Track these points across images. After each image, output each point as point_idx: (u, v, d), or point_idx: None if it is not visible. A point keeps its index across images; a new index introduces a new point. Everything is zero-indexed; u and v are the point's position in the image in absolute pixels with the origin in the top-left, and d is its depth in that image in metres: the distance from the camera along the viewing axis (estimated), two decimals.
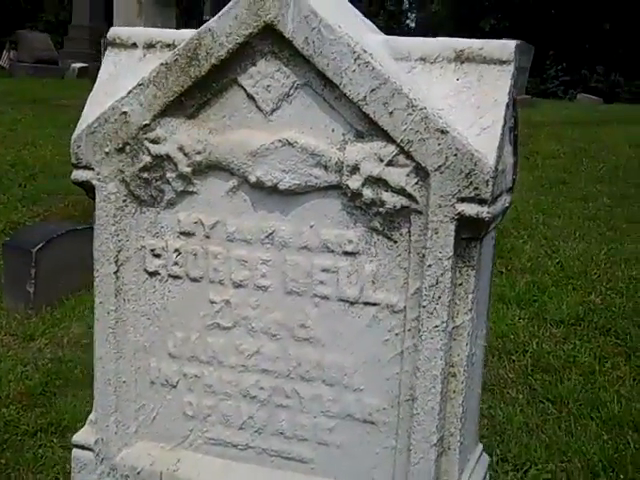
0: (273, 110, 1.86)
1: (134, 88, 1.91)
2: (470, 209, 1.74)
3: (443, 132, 1.72)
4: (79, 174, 2.01)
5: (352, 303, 1.90)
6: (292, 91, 1.84)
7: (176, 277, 2.02)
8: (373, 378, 1.91)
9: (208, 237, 1.97)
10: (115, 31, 2.08)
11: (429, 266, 1.79)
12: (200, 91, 1.89)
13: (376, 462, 1.94)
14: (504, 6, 22.39)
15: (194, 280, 2.01)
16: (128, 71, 2.00)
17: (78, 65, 17.26)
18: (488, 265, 2.02)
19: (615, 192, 7.80)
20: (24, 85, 14.50)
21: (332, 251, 1.89)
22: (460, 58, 1.82)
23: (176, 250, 2.00)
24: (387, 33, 2.02)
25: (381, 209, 1.81)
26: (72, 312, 4.80)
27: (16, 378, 3.96)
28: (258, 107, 1.87)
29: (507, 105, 1.78)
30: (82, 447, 2.14)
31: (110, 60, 2.06)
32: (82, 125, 1.99)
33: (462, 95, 1.80)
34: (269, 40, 1.82)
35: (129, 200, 2.00)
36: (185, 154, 1.92)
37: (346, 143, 1.82)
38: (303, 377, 1.97)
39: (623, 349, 4.37)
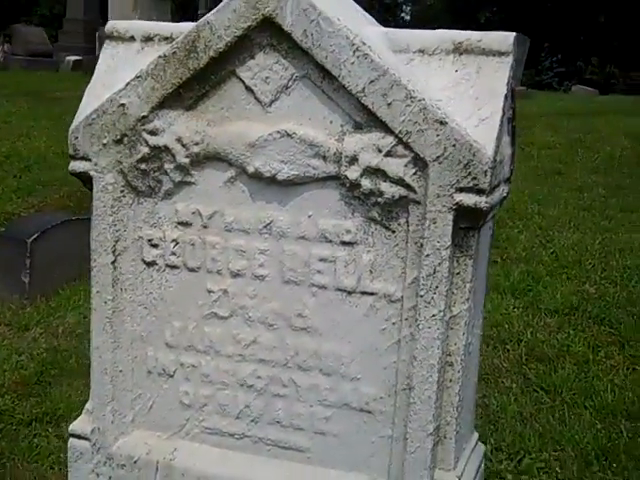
0: (272, 102, 1.87)
1: (132, 80, 1.91)
2: (468, 199, 1.75)
3: (442, 123, 1.73)
4: (77, 165, 2.02)
5: (349, 293, 1.91)
6: (291, 83, 1.85)
7: (174, 267, 2.03)
8: (370, 367, 1.92)
9: (206, 227, 1.98)
10: (113, 24, 2.08)
11: (427, 256, 1.80)
12: (198, 83, 1.89)
13: (373, 451, 1.95)
14: None
15: (192, 270, 2.01)
16: (126, 64, 2.01)
17: (72, 58, 17.21)
18: (485, 255, 2.03)
19: (610, 182, 7.82)
20: (19, 78, 14.47)
21: (330, 241, 1.90)
22: (459, 50, 1.83)
23: (174, 240, 2.01)
24: (382, 26, 2.02)
25: (379, 199, 1.82)
26: (67, 302, 4.81)
27: (11, 368, 3.97)
28: (257, 99, 1.88)
29: (506, 96, 1.79)
30: (78, 436, 2.15)
31: (108, 53, 2.06)
32: (80, 117, 2.00)
33: (461, 86, 1.80)
34: (268, 33, 1.83)
35: (127, 191, 2.00)
36: (183, 145, 1.92)
37: (344, 134, 1.83)
38: (300, 366, 1.98)
39: (617, 338, 4.39)
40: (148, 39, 2.03)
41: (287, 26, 1.79)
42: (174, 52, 1.87)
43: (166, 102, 1.91)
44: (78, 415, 2.19)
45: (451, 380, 1.89)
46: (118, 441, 2.11)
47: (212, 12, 1.84)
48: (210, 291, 2.01)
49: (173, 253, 2.01)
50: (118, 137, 1.96)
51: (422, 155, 1.76)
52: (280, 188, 1.90)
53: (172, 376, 2.08)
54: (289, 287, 1.95)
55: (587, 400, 3.72)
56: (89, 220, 2.05)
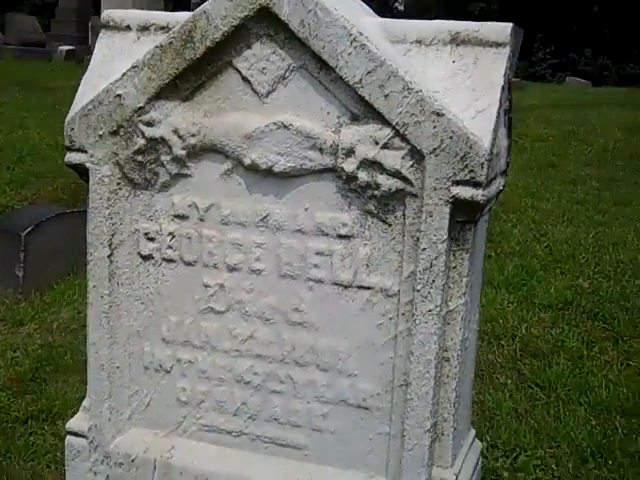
0: (268, 93, 1.85)
1: (128, 70, 1.90)
2: (465, 192, 1.74)
3: (439, 115, 1.72)
4: (73, 157, 2.00)
5: (346, 287, 1.89)
6: (287, 74, 1.83)
7: (170, 261, 2.01)
8: (367, 363, 1.91)
9: (202, 220, 1.96)
10: (109, 13, 2.06)
11: (423, 249, 1.78)
12: (195, 74, 1.88)
13: (370, 448, 1.94)
14: None
15: (188, 264, 2.00)
16: (122, 53, 1.99)
17: (65, 48, 17.17)
18: (481, 248, 2.01)
19: (604, 175, 7.82)
20: (11, 68, 14.40)
21: (326, 234, 1.88)
22: (456, 40, 1.81)
23: (170, 233, 1.99)
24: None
25: (376, 192, 1.80)
26: (61, 297, 4.78)
27: (6, 364, 3.94)
28: (253, 90, 1.86)
29: (502, 88, 1.78)
30: (75, 434, 2.13)
31: (104, 42, 2.04)
32: (76, 107, 1.98)
33: (458, 78, 1.79)
34: (264, 23, 1.81)
35: (123, 183, 1.98)
36: (180, 137, 1.91)
37: (341, 126, 1.81)
38: (297, 362, 1.96)
39: (611, 334, 4.38)
40: (144, 28, 2.01)
41: (284, 16, 1.77)
42: (170, 42, 1.85)
43: (162, 93, 1.90)
44: (74, 412, 2.18)
45: (448, 376, 1.88)
46: (115, 439, 2.09)
47: (209, 1, 1.82)
48: (207, 285, 1.99)
49: (169, 247, 2.00)
50: (114, 128, 1.94)
51: (419, 147, 1.74)
52: (276, 180, 1.88)
53: (169, 372, 2.06)
54: (285, 281, 1.93)
55: (582, 396, 3.70)
56: (83, 213, 2.03)
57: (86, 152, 1.98)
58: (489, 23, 1.82)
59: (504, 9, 21.18)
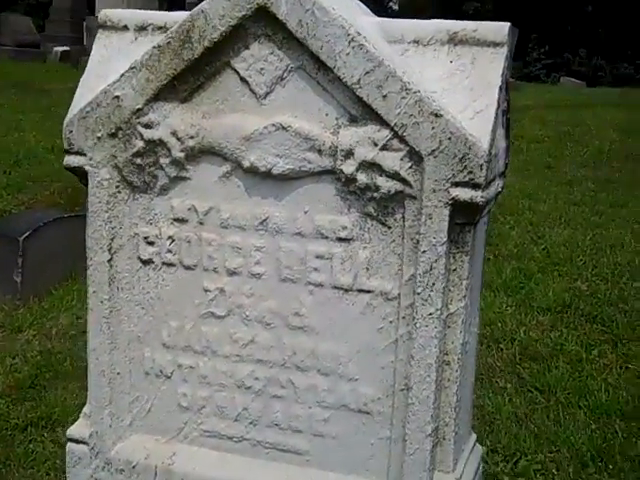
0: (267, 94, 1.84)
1: (126, 72, 1.88)
2: (464, 194, 1.73)
3: (437, 115, 1.71)
4: (71, 160, 1.98)
5: (346, 290, 1.88)
6: (286, 74, 1.82)
7: (170, 265, 2.00)
8: (368, 367, 1.90)
9: (202, 223, 1.95)
10: (106, 13, 2.04)
11: (423, 252, 1.77)
12: (193, 75, 1.86)
13: (371, 453, 1.93)
14: None
15: (188, 268, 1.98)
16: (120, 54, 1.98)
17: (60, 49, 17.13)
18: (481, 251, 2.00)
19: (600, 176, 7.82)
20: (6, 69, 14.34)
21: (326, 237, 1.87)
22: (453, 40, 1.80)
23: (170, 237, 1.98)
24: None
25: (375, 194, 1.79)
26: (60, 302, 4.74)
27: (5, 371, 3.91)
28: (251, 90, 1.85)
29: (500, 88, 1.77)
30: (76, 441, 2.11)
31: (101, 43, 2.03)
32: (74, 110, 1.96)
33: (455, 78, 1.78)
34: (262, 22, 1.80)
35: (122, 186, 1.97)
36: (178, 139, 1.89)
37: (340, 127, 1.80)
38: (298, 366, 1.95)
39: (610, 337, 4.36)
40: (142, 29, 2.00)
41: (282, 15, 1.76)
42: (168, 42, 1.84)
43: (161, 94, 1.88)
44: (74, 419, 2.16)
45: (449, 380, 1.87)
46: (116, 445, 2.08)
47: (206, 1, 1.81)
48: (207, 290, 1.98)
49: (169, 250, 1.98)
50: (113, 130, 1.92)
51: (417, 149, 1.73)
52: (275, 183, 1.87)
53: (170, 377, 2.05)
54: (286, 285, 1.92)
55: (581, 400, 3.69)
56: (81, 217, 2.02)
57: (85, 155, 1.96)
58: (486, 23, 1.81)
59: (498, 9, 21.20)
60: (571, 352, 4.17)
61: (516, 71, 18.70)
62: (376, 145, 1.76)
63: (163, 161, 1.93)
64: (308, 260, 1.89)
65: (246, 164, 1.87)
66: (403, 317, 1.83)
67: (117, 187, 1.97)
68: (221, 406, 2.02)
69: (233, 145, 1.87)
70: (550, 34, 22.03)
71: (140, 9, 2.21)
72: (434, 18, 1.88)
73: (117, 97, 1.90)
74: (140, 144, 1.93)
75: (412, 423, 1.83)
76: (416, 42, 1.82)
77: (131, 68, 1.89)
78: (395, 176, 1.76)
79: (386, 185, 1.78)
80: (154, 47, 1.86)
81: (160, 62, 1.86)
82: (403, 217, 1.80)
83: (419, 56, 1.81)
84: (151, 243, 2.00)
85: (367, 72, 1.72)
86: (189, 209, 1.96)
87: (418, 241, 1.77)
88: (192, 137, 1.89)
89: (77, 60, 14.94)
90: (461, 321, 1.84)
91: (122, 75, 1.89)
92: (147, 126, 1.91)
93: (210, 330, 2.00)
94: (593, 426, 3.46)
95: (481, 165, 1.71)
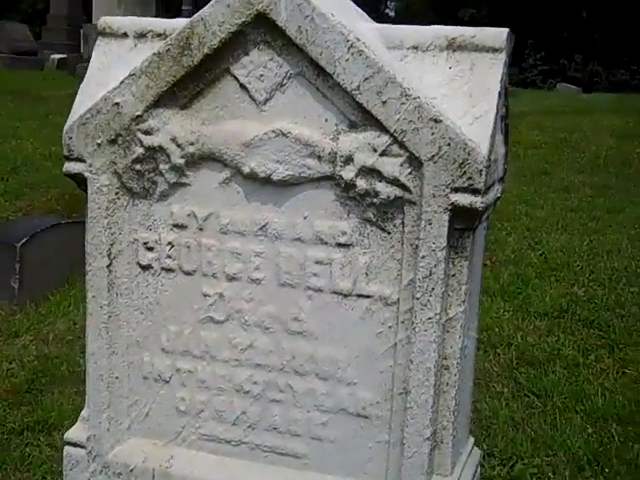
0: (266, 100, 1.85)
1: (126, 78, 1.89)
2: (464, 199, 1.73)
3: (436, 121, 1.72)
4: (71, 166, 1.99)
5: (345, 295, 1.89)
6: (285, 81, 1.83)
7: (169, 270, 2.00)
8: (366, 371, 1.90)
9: (201, 229, 1.95)
10: (105, 21, 2.05)
11: (422, 257, 1.78)
12: (193, 81, 1.87)
13: (370, 456, 1.93)
14: None
15: (187, 273, 1.99)
16: (119, 61, 1.98)
17: (57, 56, 17.15)
18: (480, 256, 2.01)
19: (597, 182, 7.85)
20: (3, 77, 14.36)
21: (325, 243, 1.88)
22: (452, 46, 1.81)
23: (169, 243, 1.98)
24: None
25: (375, 200, 1.80)
26: (57, 308, 4.75)
27: (1, 376, 3.92)
28: (251, 97, 1.86)
29: (499, 93, 1.78)
30: (74, 444, 2.11)
31: (101, 50, 2.04)
32: (74, 116, 1.97)
33: (455, 83, 1.79)
34: (262, 29, 1.80)
35: (122, 192, 1.98)
36: (178, 145, 1.90)
37: (339, 133, 1.81)
38: (296, 371, 1.95)
39: (606, 341, 4.38)
40: (141, 36, 2.01)
41: (281, 22, 1.77)
42: (168, 49, 1.85)
43: (161, 101, 1.89)
44: (70, 423, 2.17)
45: (447, 384, 1.88)
46: (114, 449, 2.08)
47: (206, 7, 1.82)
48: (206, 295, 1.98)
49: (169, 256, 1.99)
50: (112, 137, 1.93)
51: (417, 154, 1.74)
52: (275, 189, 1.88)
53: (168, 382, 2.05)
54: (285, 290, 1.92)
55: (578, 404, 3.70)
56: (79, 224, 2.03)
57: (84, 161, 1.97)
58: (485, 29, 1.81)
59: (494, 15, 21.25)
60: (568, 357, 4.18)
61: (512, 77, 18.71)
62: (376, 151, 1.77)
63: (163, 167, 1.94)
64: (307, 265, 1.90)
65: (246, 170, 1.87)
66: (402, 322, 1.84)
67: (117, 193, 1.98)
68: (219, 410, 2.03)
69: (233, 151, 1.87)
70: (546, 40, 22.08)
71: (135, 15, 2.22)
72: (431, 24, 1.89)
73: (117, 104, 1.91)
74: (140, 150, 1.93)
75: (410, 427, 1.84)
76: (415, 48, 1.83)
77: (131, 75, 1.89)
78: (395, 182, 1.77)
79: (386, 191, 1.78)
80: (154, 54, 1.87)
81: (160, 69, 1.87)
82: (402, 222, 1.81)
83: (418, 62, 1.82)
84: (150, 249, 2.01)
85: (367, 78, 1.73)
86: (189, 215, 1.96)
87: (417, 246, 1.78)
88: (192, 143, 1.90)
89: (74, 67, 14.96)
90: (460, 326, 1.85)
91: (122, 82, 1.90)
92: (147, 133, 1.92)
93: (209, 335, 2.01)
94: (590, 430, 3.47)
95: (480, 171, 1.71)
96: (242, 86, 1.86)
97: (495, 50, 1.80)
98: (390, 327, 1.86)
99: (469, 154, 1.71)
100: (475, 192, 1.73)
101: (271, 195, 1.89)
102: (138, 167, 1.95)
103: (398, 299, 1.84)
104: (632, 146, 9.25)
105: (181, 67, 1.85)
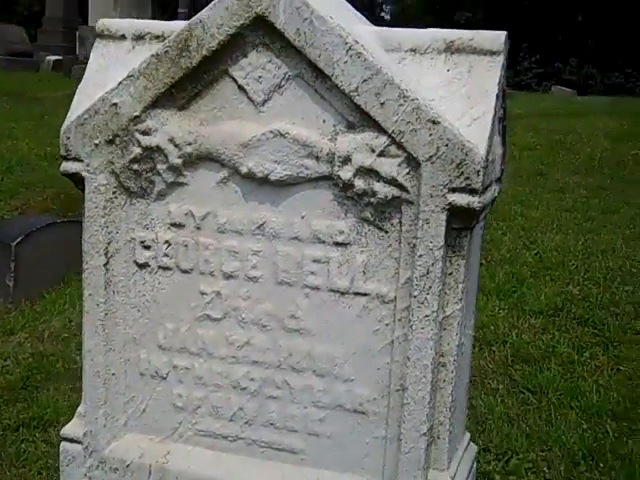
0: (264, 101, 1.86)
1: (124, 79, 1.90)
2: (461, 199, 1.75)
3: (434, 123, 1.73)
4: (68, 166, 2.00)
5: (343, 293, 1.90)
6: (283, 82, 1.84)
7: (166, 268, 2.01)
8: (363, 368, 1.92)
9: (199, 228, 1.97)
10: (104, 23, 2.06)
11: (420, 256, 1.79)
12: (191, 82, 1.89)
13: (366, 452, 1.95)
14: None
15: (184, 272, 2.00)
16: (117, 63, 2.00)
17: (53, 58, 17.17)
18: (477, 255, 2.03)
19: (591, 183, 7.88)
20: None
21: (323, 242, 1.89)
22: (450, 49, 1.83)
23: (166, 242, 2.00)
24: None
25: (372, 199, 1.82)
26: (52, 306, 4.77)
27: None
28: (249, 98, 1.87)
29: (497, 96, 1.80)
30: (71, 440, 2.13)
31: (99, 52, 2.05)
32: (71, 117, 1.98)
33: (453, 86, 1.80)
34: (260, 31, 1.82)
35: (119, 192, 1.99)
36: (176, 145, 1.91)
37: (337, 134, 1.82)
38: (293, 368, 1.97)
39: (601, 339, 4.41)
40: (139, 38, 2.02)
41: (280, 24, 1.78)
42: (166, 51, 1.86)
43: (159, 102, 1.90)
44: (66, 420, 2.18)
45: (444, 381, 1.89)
46: (111, 445, 2.10)
47: (204, 10, 1.83)
48: (203, 293, 2.00)
49: (166, 255, 2.00)
50: (110, 137, 1.94)
51: (415, 155, 1.76)
52: (273, 188, 1.89)
53: (165, 378, 2.07)
54: (282, 288, 1.94)
55: (573, 400, 3.73)
56: (74, 223, 2.05)
57: (82, 161, 1.98)
58: (483, 32, 1.83)
59: (489, 18, 21.28)
60: (563, 354, 4.21)
61: (507, 80, 18.60)
62: (373, 151, 1.79)
63: (160, 167, 1.95)
64: (305, 264, 1.91)
65: (244, 170, 1.89)
66: (399, 319, 1.86)
67: (114, 192, 1.99)
68: (216, 406, 2.04)
69: (231, 151, 1.89)
70: (541, 43, 22.13)
71: (131, 17, 2.23)
72: (427, 28, 1.91)
73: (115, 104, 1.93)
74: (137, 150, 1.95)
75: (407, 423, 1.86)
76: (413, 51, 1.85)
77: (129, 76, 1.90)
78: (392, 182, 1.79)
79: (383, 191, 1.80)
80: (152, 56, 1.88)
81: (158, 70, 1.88)
82: (400, 222, 1.83)
83: (416, 64, 1.84)
84: (147, 247, 2.02)
85: (365, 80, 1.75)
86: (186, 214, 1.98)
87: (415, 245, 1.80)
88: (190, 144, 1.91)
89: (70, 69, 14.97)
90: (457, 323, 1.86)
91: (120, 83, 1.91)
92: (145, 133, 1.93)
93: (206, 332, 2.02)
94: (584, 426, 3.50)
95: (478, 171, 1.73)
96: (240, 87, 1.87)
97: (493, 53, 1.82)
98: (387, 325, 1.88)
99: (467, 155, 1.73)
100: (473, 192, 1.75)
101: (269, 195, 1.90)
102: (136, 167, 1.96)
103: (395, 297, 1.86)
104: (626, 148, 9.28)
105: (179, 69, 1.86)
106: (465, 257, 1.84)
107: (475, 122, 1.76)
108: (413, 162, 1.77)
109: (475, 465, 2.19)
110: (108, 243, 2.01)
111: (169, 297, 2.03)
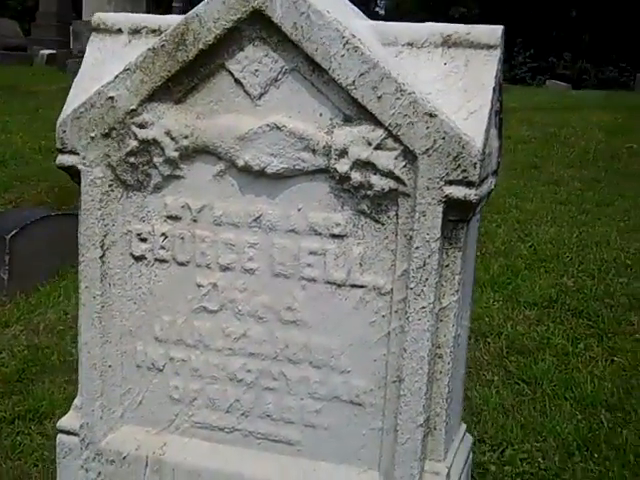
0: (261, 95, 1.87)
1: (121, 73, 1.91)
2: (458, 191, 1.76)
3: (431, 116, 1.74)
4: (64, 159, 2.01)
5: (339, 285, 1.91)
6: (280, 76, 1.84)
7: (163, 261, 2.02)
8: (360, 360, 1.93)
9: (195, 221, 1.98)
10: (100, 16, 2.07)
11: (416, 248, 1.80)
12: (187, 76, 1.89)
13: (363, 443, 1.96)
14: None
15: (181, 264, 2.01)
16: (114, 56, 2.00)
17: (47, 52, 17.14)
18: (473, 247, 2.04)
19: (586, 176, 7.89)
20: None
21: (319, 234, 1.90)
22: (447, 43, 1.83)
23: (163, 234, 2.00)
24: None
25: (369, 192, 1.82)
26: (47, 299, 4.78)
27: None
28: (246, 92, 1.88)
29: (494, 89, 1.80)
30: (67, 432, 2.14)
31: (95, 46, 2.05)
32: (67, 110, 1.98)
33: (449, 79, 1.81)
34: (257, 25, 1.82)
35: (115, 185, 2.00)
36: (172, 138, 1.92)
37: (334, 127, 1.83)
38: (290, 359, 1.98)
39: (595, 330, 4.42)
40: (136, 32, 2.02)
41: (277, 18, 1.79)
42: (163, 45, 1.87)
43: (155, 95, 1.91)
44: (61, 412, 2.18)
45: (441, 372, 1.90)
46: (107, 437, 2.10)
47: (201, 4, 1.84)
48: (199, 285, 2.00)
49: (162, 247, 2.01)
50: (106, 130, 1.95)
51: (412, 148, 1.76)
52: (269, 181, 1.90)
53: (161, 370, 2.07)
54: (279, 280, 1.95)
55: (567, 391, 3.74)
56: (68, 216, 2.05)
57: (78, 154, 1.99)
58: (480, 26, 1.84)
59: (484, 13, 21.28)
60: (557, 346, 4.23)
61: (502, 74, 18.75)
62: (370, 144, 1.79)
63: (157, 160, 1.96)
64: (301, 256, 1.92)
65: (240, 163, 1.89)
66: (396, 311, 1.87)
67: (110, 185, 1.99)
68: (213, 398, 2.05)
69: (227, 145, 1.89)
70: (535, 38, 22.13)
71: (126, 11, 2.23)
72: (421, 22, 1.92)
73: (111, 98, 1.93)
74: (134, 144, 1.95)
75: (404, 414, 1.87)
76: (410, 44, 1.85)
77: (125, 70, 1.91)
78: (389, 174, 1.80)
79: (380, 183, 1.81)
80: (148, 49, 1.88)
81: (154, 64, 1.88)
82: (396, 214, 1.83)
83: (413, 58, 1.84)
84: (144, 240, 2.02)
85: (362, 74, 1.75)
86: (183, 207, 1.98)
87: (411, 237, 1.80)
88: (186, 137, 1.92)
89: (64, 63, 14.94)
90: (453, 315, 1.87)
91: (116, 76, 1.91)
92: (141, 126, 1.94)
93: (202, 324, 2.03)
94: (579, 417, 3.52)
95: (475, 164, 1.74)
96: (237, 81, 1.88)
97: (490, 47, 1.83)
98: (384, 316, 1.89)
99: (464, 148, 1.74)
100: (469, 185, 1.76)
101: (265, 187, 1.91)
102: (132, 160, 1.97)
103: (392, 289, 1.87)
104: (621, 141, 9.29)
105: (176, 62, 1.87)
106: (462, 249, 1.85)
107: (472, 115, 1.77)
108: (410, 155, 1.77)
109: (471, 456, 2.20)
110: (104, 236, 2.01)
111: (165, 289, 2.04)
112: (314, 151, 1.84)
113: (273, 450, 2.03)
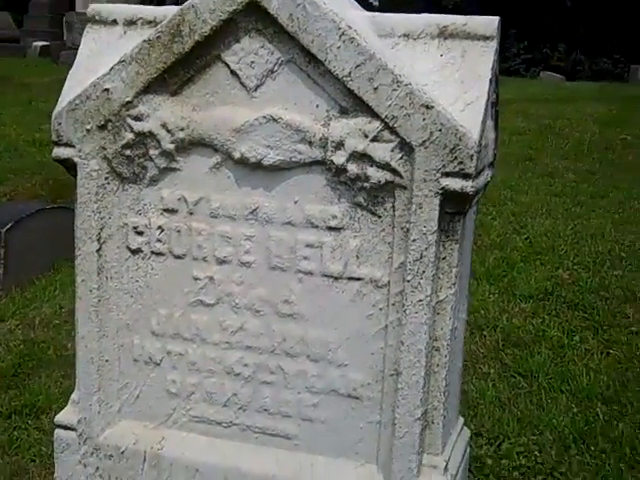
0: (257, 86, 1.86)
1: (116, 65, 1.90)
2: (454, 183, 1.75)
3: (428, 107, 1.73)
4: (60, 151, 2.00)
5: (336, 278, 1.91)
6: (276, 67, 1.84)
7: (159, 254, 2.01)
8: (357, 353, 1.92)
9: (192, 214, 1.97)
10: (95, 8, 2.05)
11: (413, 240, 1.80)
12: (183, 68, 1.88)
13: (361, 437, 1.96)
14: None
15: (177, 257, 2.00)
16: (109, 48, 1.99)
17: (40, 44, 17.12)
18: (470, 239, 2.04)
19: (580, 168, 7.90)
20: None
21: (316, 226, 1.89)
22: (444, 34, 1.83)
23: (159, 227, 1.99)
24: None
25: (365, 184, 1.82)
26: (43, 293, 4.76)
27: None
28: (242, 83, 1.87)
29: (490, 80, 1.80)
30: (64, 427, 2.13)
31: (90, 37, 2.04)
32: (62, 102, 1.97)
33: (446, 71, 1.80)
34: (253, 17, 1.81)
35: (111, 177, 1.99)
36: (168, 131, 1.91)
37: (330, 119, 1.82)
38: (287, 353, 1.97)
39: (591, 323, 4.43)
40: (131, 23, 2.01)
41: (273, 10, 1.78)
42: (158, 36, 1.85)
43: (151, 87, 1.90)
44: (58, 407, 2.18)
45: (438, 365, 1.90)
46: (105, 431, 2.10)
47: None
48: (196, 278, 2.00)
49: (159, 240, 2.00)
50: (102, 123, 1.94)
51: (408, 140, 1.76)
52: (266, 174, 1.89)
53: (159, 364, 2.07)
54: (275, 273, 1.94)
55: (563, 384, 3.75)
56: (63, 209, 2.05)
57: (74, 147, 1.98)
58: (476, 17, 1.83)
59: (478, 4, 21.25)
60: (553, 338, 4.23)
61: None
62: (367, 136, 1.78)
63: (153, 152, 1.95)
64: (298, 249, 1.91)
65: (236, 155, 1.89)
66: (393, 304, 1.86)
67: (106, 178, 1.98)
68: (210, 392, 2.04)
69: (223, 137, 1.89)
70: (529, 29, 22.11)
71: (119, 3, 2.21)
72: (415, 13, 1.91)
73: (107, 90, 1.92)
74: (130, 136, 1.94)
75: (402, 407, 1.86)
76: (406, 36, 1.84)
77: (121, 61, 1.90)
78: (386, 167, 1.79)
79: (376, 175, 1.80)
80: (144, 41, 1.87)
81: (150, 56, 1.87)
82: (393, 206, 1.83)
83: (409, 50, 1.84)
84: (140, 233, 2.02)
85: (358, 65, 1.75)
86: (179, 199, 1.98)
87: (408, 230, 1.80)
88: (182, 129, 1.91)
89: (57, 55, 14.91)
90: (450, 308, 1.87)
91: (112, 68, 1.90)
92: (137, 118, 1.93)
93: (199, 318, 2.02)
94: (575, 409, 3.52)
95: (471, 156, 1.73)
96: (233, 73, 1.87)
97: (486, 38, 1.82)
98: (381, 309, 1.88)
99: (460, 139, 1.73)
100: (466, 177, 1.75)
101: (262, 180, 1.90)
102: (128, 152, 1.96)
103: (389, 282, 1.86)
104: (615, 133, 9.31)
105: (171, 54, 1.86)
106: (458, 241, 1.84)
107: (468, 107, 1.76)
108: (406, 147, 1.77)
109: (469, 449, 2.20)
110: (100, 229, 2.00)
111: (162, 283, 2.03)
112: (310, 143, 1.83)
113: (271, 444, 2.03)
